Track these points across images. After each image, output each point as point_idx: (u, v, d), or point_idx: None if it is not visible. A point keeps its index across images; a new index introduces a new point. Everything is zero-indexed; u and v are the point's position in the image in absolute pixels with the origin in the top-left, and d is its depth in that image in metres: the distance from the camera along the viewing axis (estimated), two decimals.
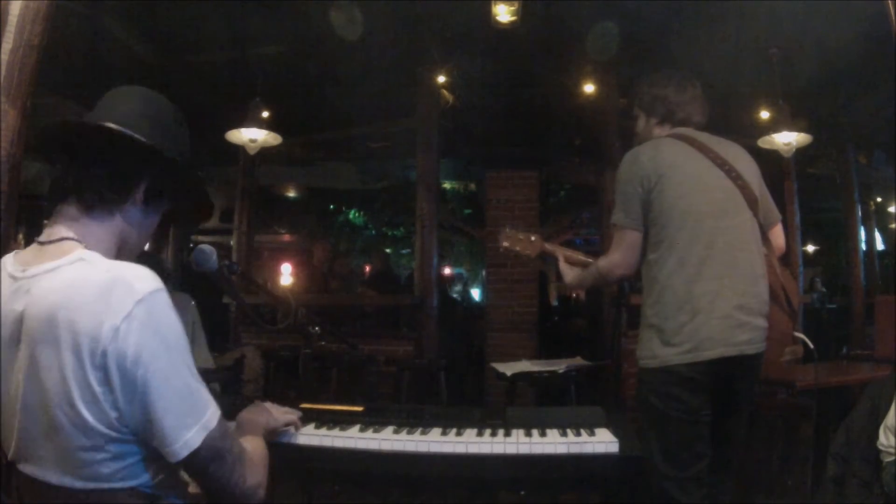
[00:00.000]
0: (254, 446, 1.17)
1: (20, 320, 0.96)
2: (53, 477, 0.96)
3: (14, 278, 1.01)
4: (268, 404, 1.55)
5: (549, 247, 2.23)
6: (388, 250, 10.50)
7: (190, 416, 0.96)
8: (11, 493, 1.05)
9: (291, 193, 9.37)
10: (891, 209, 9.24)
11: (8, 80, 1.74)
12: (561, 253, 2.17)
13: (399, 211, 9.59)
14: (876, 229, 8.05)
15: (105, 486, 0.96)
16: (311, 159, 7.07)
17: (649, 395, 1.73)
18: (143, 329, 0.92)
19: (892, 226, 9.26)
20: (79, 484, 0.96)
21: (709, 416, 1.70)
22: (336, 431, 1.65)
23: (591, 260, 2.08)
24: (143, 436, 0.96)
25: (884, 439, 1.95)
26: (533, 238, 2.25)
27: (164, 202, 1.15)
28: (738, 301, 1.70)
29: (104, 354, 0.91)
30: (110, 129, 1.04)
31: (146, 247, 1.23)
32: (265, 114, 4.44)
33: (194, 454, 0.96)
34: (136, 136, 1.05)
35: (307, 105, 5.14)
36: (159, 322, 0.95)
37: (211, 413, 1.00)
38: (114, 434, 0.94)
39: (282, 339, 4.00)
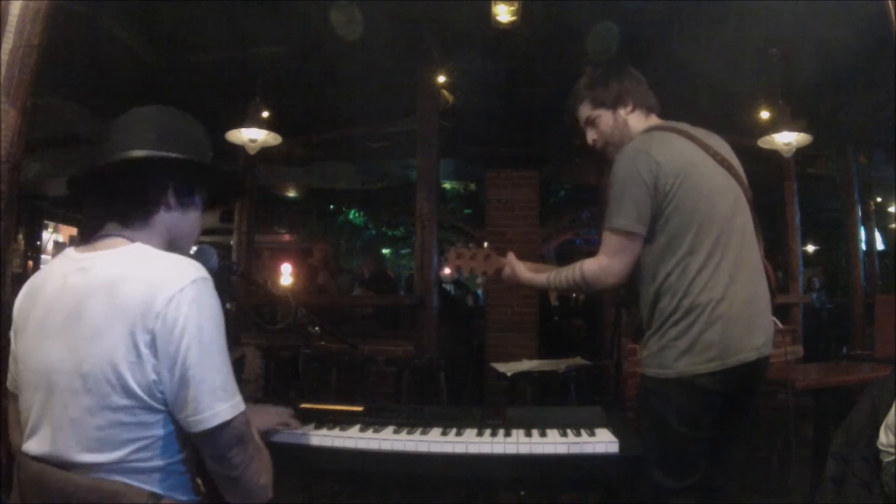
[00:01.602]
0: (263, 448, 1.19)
1: (75, 292, 1.03)
2: (66, 450, 0.99)
3: (73, 259, 1.10)
4: (262, 406, 1.59)
5: (509, 261, 1.91)
6: (384, 251, 10.51)
7: (224, 391, 1.02)
8: (12, 494, 1.05)
9: (291, 193, 9.38)
10: (891, 209, 9.26)
11: (8, 80, 1.74)
12: (524, 270, 1.90)
13: (399, 211, 9.60)
14: (876, 229, 8.06)
15: (113, 456, 0.98)
16: (311, 159, 7.07)
17: (662, 407, 1.63)
18: (193, 304, 1.00)
19: (892, 226, 9.28)
20: (86, 456, 0.98)
21: (715, 431, 1.64)
22: (336, 431, 1.65)
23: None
24: (175, 405, 1.00)
25: (884, 438, 1.94)
26: (487, 255, 1.95)
27: (198, 197, 1.22)
28: (752, 303, 1.66)
29: (155, 317, 0.98)
30: (113, 164, 1.12)
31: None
32: (265, 114, 4.44)
33: (222, 429, 1.01)
34: (139, 154, 1.12)
35: (307, 105, 5.14)
36: (208, 303, 1.03)
37: (241, 398, 1.06)
38: (147, 398, 0.99)
39: (282, 339, 4.00)
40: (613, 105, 1.84)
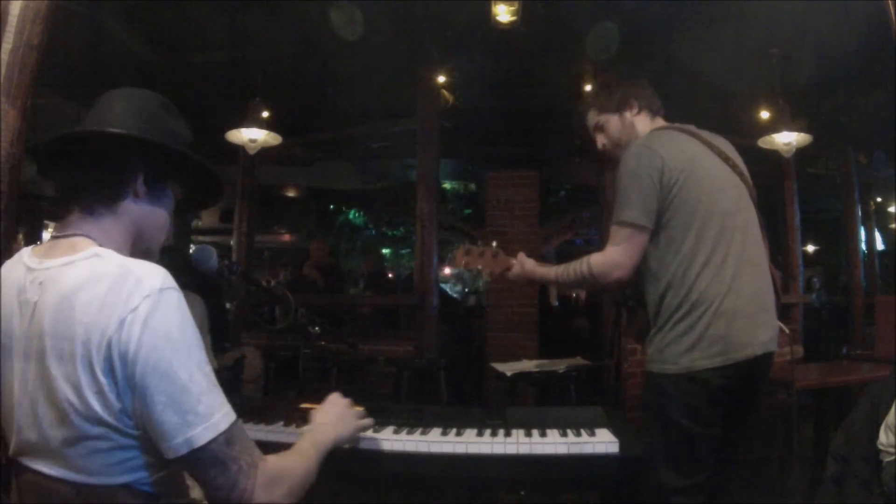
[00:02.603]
0: (287, 463, 1.08)
1: (32, 311, 0.98)
2: (56, 471, 0.97)
3: (30, 269, 1.02)
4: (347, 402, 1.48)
5: (519, 260, 1.96)
6: (384, 251, 10.51)
7: (193, 415, 0.94)
8: (12, 493, 1.05)
9: (291, 193, 9.38)
10: (891, 209, 9.24)
11: (8, 80, 1.74)
12: (534, 265, 1.95)
13: (399, 211, 9.60)
14: (876, 229, 8.04)
15: (107, 480, 0.96)
16: (311, 159, 7.07)
17: (667, 404, 1.63)
18: (147, 324, 0.93)
19: (892, 226, 9.26)
20: (78, 478, 0.96)
21: (721, 427, 1.65)
22: None
23: None
24: (145, 429, 0.96)
25: (884, 438, 1.94)
26: (495, 254, 1.98)
27: (168, 191, 1.15)
28: (757, 298, 1.67)
29: (108, 345, 0.92)
30: (86, 132, 1.05)
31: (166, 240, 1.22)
32: (265, 114, 4.44)
33: (195, 454, 0.95)
34: (114, 130, 1.05)
35: (307, 105, 5.13)
36: (165, 319, 0.94)
37: (222, 415, 0.97)
38: (119, 425, 0.95)
39: (282, 339, 4.00)
40: (619, 109, 1.88)
